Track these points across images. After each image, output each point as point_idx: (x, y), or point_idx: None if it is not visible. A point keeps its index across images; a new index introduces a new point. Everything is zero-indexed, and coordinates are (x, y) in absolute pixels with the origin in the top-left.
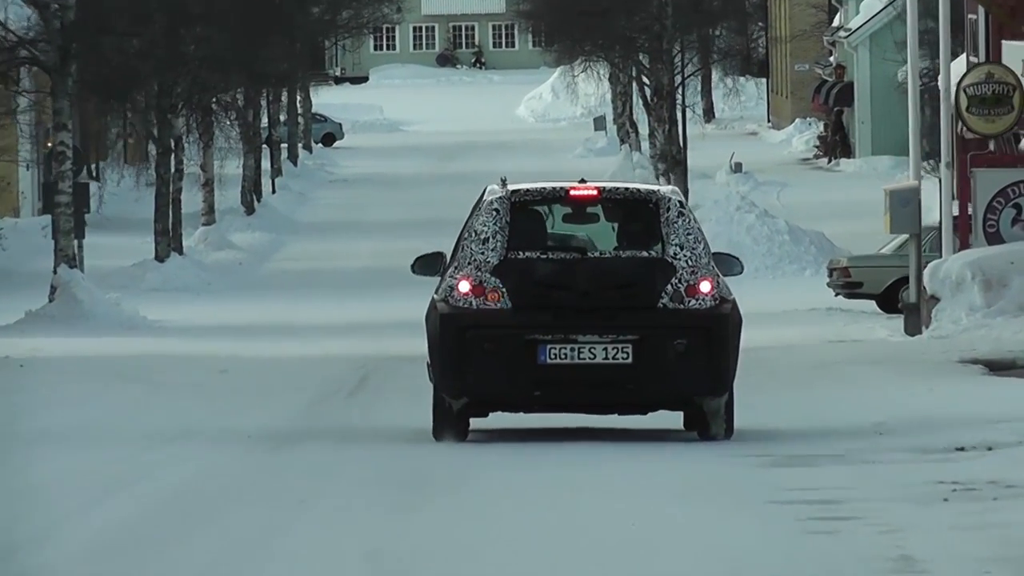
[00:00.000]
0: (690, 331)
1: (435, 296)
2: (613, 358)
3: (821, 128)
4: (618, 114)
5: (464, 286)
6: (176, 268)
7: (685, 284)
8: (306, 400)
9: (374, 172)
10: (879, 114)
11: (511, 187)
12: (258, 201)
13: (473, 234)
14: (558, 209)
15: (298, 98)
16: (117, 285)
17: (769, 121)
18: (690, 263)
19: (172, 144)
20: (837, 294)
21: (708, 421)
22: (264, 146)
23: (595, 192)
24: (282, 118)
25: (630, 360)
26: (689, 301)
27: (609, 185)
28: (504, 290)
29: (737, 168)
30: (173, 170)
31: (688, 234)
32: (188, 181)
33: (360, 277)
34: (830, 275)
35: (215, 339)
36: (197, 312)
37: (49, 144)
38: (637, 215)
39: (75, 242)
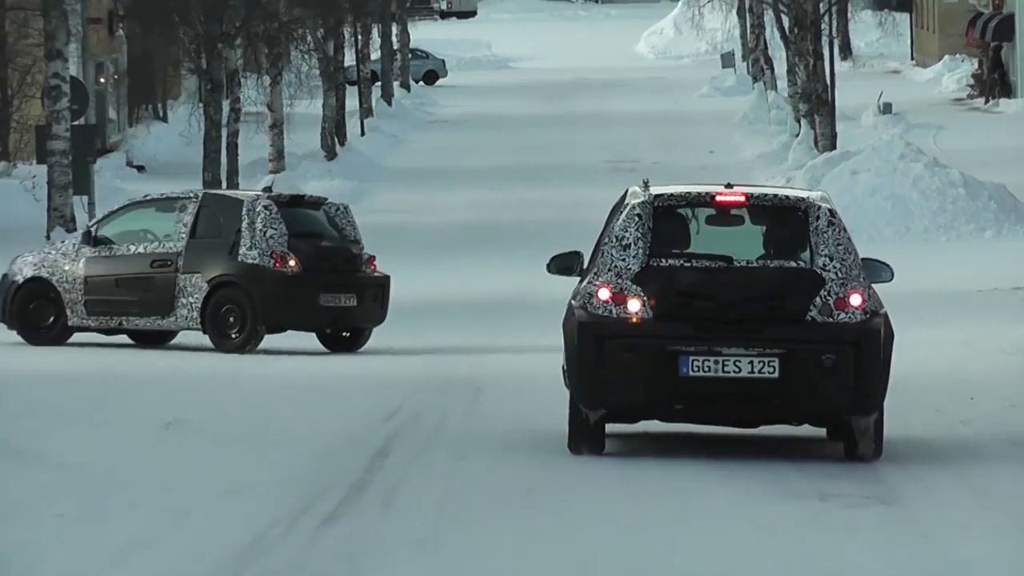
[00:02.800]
0: (839, 346)
1: (573, 303)
2: (759, 372)
3: (975, 65)
4: (750, 49)
5: (604, 293)
6: None
7: (834, 296)
8: (232, 548)
9: (478, 113)
10: None
11: (654, 191)
12: (341, 145)
13: (614, 239)
14: (702, 212)
15: (394, 32)
16: None
17: (913, 58)
18: (840, 274)
19: (225, 79)
20: None
21: (856, 439)
22: (353, 84)
23: (742, 198)
24: (375, 55)
25: (776, 375)
26: (838, 314)
27: (757, 191)
28: (645, 298)
29: (886, 109)
30: (228, 110)
31: (838, 244)
32: (255, 122)
33: (453, 235)
34: None
35: None
36: None
37: (102, 80)
38: (785, 223)
39: (79, 199)
